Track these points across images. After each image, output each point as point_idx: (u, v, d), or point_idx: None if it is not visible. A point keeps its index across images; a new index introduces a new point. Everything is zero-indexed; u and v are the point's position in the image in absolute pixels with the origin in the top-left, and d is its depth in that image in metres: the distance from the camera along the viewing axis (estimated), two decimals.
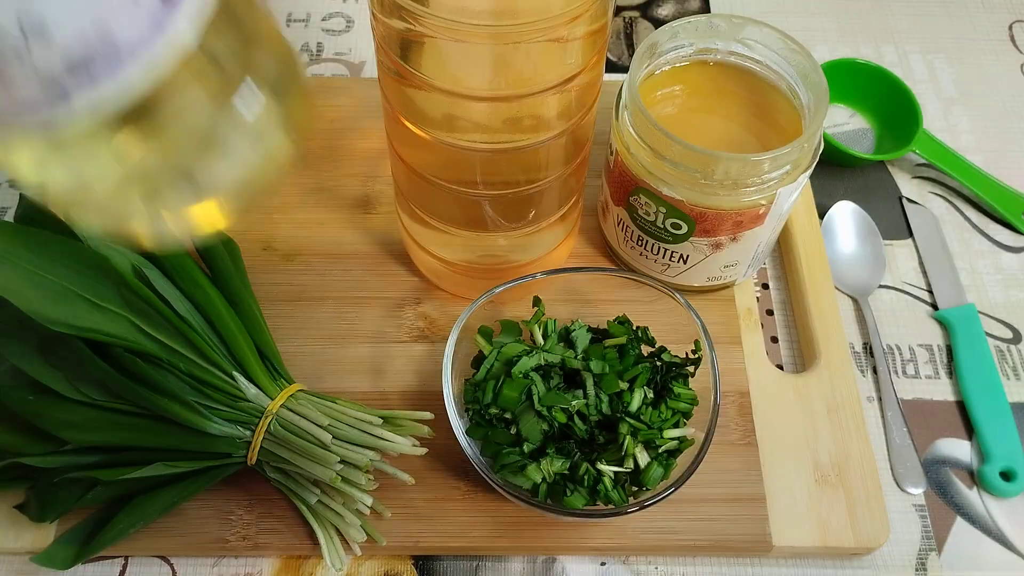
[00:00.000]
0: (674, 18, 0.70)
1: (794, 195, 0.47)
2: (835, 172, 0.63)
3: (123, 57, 0.25)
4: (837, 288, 0.57)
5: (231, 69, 0.28)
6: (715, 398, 0.44)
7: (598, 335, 0.48)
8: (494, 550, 0.47)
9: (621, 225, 0.52)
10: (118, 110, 0.26)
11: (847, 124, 0.66)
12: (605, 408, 0.45)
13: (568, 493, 0.43)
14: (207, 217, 0.31)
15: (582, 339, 0.47)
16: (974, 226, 0.61)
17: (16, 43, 0.23)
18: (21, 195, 0.47)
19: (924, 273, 0.58)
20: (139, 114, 0.26)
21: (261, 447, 0.44)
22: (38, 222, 0.46)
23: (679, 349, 0.47)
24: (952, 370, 0.54)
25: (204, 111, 0.28)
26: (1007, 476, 0.50)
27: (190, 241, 0.47)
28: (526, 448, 0.44)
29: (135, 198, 0.29)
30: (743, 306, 0.54)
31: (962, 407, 0.53)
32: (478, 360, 0.48)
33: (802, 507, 0.47)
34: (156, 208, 0.30)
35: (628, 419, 0.44)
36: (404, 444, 0.44)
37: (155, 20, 0.26)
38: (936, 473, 0.51)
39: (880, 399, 0.53)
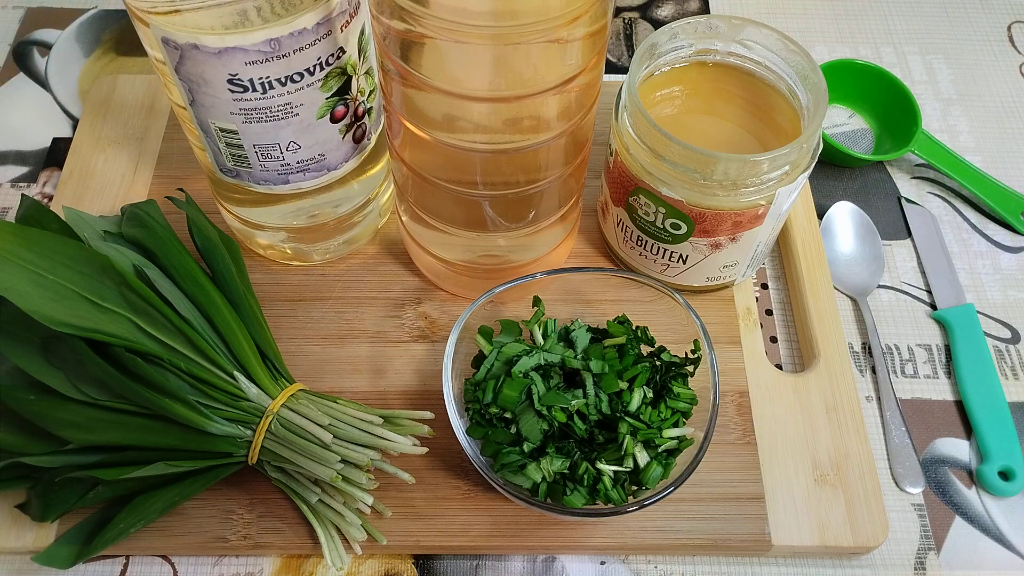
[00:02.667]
0: (674, 19, 0.70)
1: (793, 195, 0.47)
2: (834, 172, 0.63)
3: (325, 169, 0.47)
4: (836, 288, 0.57)
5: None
6: (714, 398, 0.44)
7: (598, 335, 0.48)
8: (494, 549, 0.47)
9: (621, 225, 0.52)
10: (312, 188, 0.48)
11: (846, 125, 0.66)
12: (605, 408, 0.45)
13: (568, 492, 0.43)
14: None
15: (582, 339, 0.47)
16: (973, 226, 0.61)
17: (277, 151, 0.44)
18: (22, 195, 0.47)
19: (923, 273, 0.58)
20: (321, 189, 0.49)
21: (262, 446, 0.44)
22: (39, 222, 0.46)
23: (678, 349, 0.48)
24: (951, 370, 0.54)
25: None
26: (1006, 475, 0.50)
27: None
28: (526, 447, 0.44)
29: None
30: (742, 306, 0.54)
31: (961, 407, 0.53)
32: (478, 360, 0.48)
33: (801, 506, 0.47)
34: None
35: (628, 418, 0.44)
36: (404, 443, 0.44)
37: (346, 155, 0.48)
38: (935, 472, 0.51)
39: (879, 399, 0.53)
